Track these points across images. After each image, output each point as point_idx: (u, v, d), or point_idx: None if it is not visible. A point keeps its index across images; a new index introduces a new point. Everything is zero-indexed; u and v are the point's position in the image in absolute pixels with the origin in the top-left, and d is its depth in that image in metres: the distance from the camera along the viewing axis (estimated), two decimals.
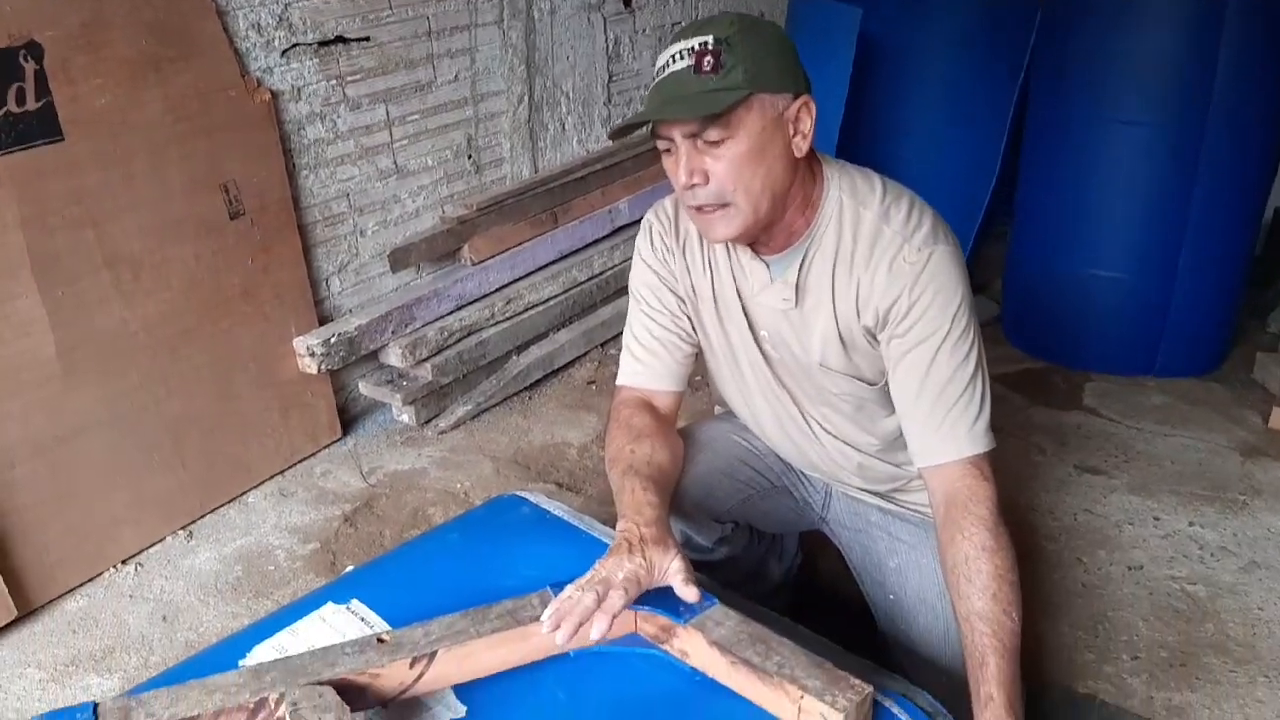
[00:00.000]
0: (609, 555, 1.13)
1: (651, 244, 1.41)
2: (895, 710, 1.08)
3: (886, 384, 1.32)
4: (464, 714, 1.10)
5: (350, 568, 1.94)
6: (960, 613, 1.16)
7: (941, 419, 1.23)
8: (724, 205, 1.21)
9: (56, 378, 1.89)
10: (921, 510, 1.49)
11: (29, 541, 1.89)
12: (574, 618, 1.07)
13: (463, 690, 1.12)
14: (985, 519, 1.19)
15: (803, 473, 1.56)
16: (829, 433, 1.43)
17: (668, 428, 1.41)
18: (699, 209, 1.22)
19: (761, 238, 1.28)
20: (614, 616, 1.09)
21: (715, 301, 1.38)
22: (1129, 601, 1.85)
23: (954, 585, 1.17)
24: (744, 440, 1.54)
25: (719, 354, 1.44)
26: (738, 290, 1.35)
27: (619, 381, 1.46)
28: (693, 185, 1.20)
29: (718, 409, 1.68)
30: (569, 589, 1.11)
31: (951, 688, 1.36)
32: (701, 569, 1.38)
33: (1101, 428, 2.47)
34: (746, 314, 1.36)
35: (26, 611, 1.89)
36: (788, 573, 1.75)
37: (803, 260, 1.28)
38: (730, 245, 1.33)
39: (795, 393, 1.41)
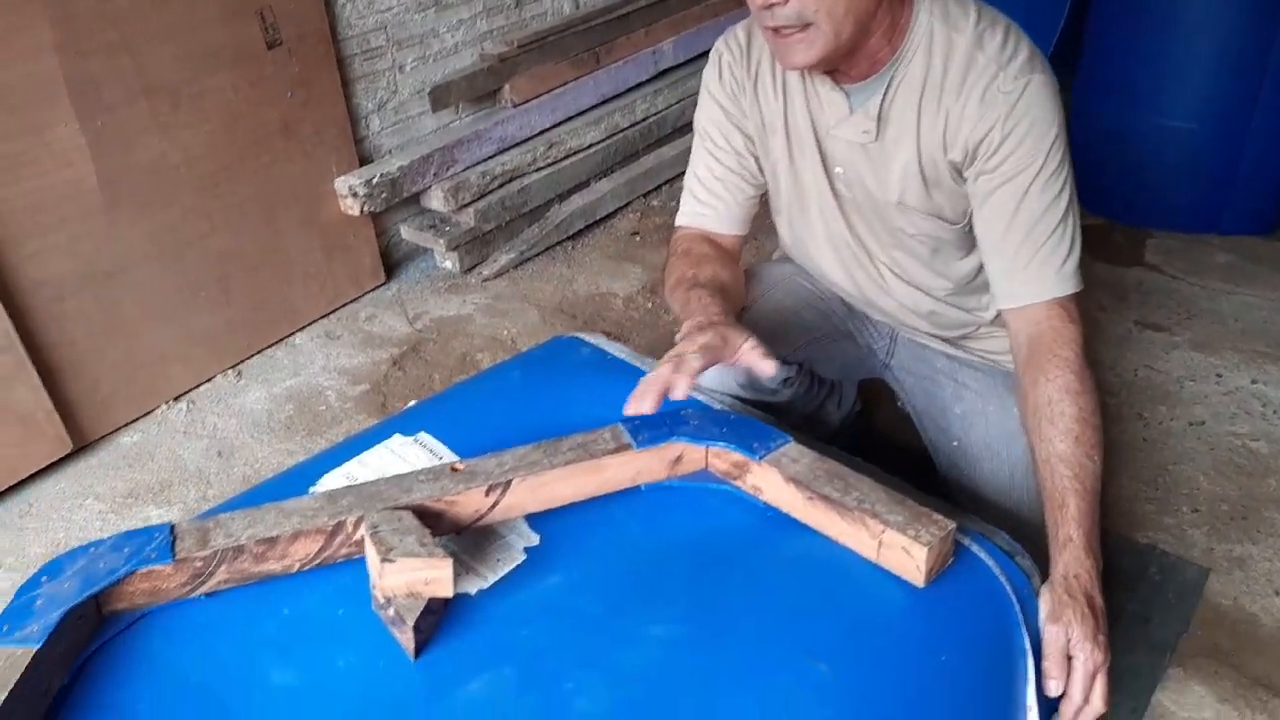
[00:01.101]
0: (680, 338, 1.11)
1: (720, 76, 1.33)
2: (974, 549, 1.06)
3: (968, 224, 1.26)
4: (537, 542, 1.09)
5: (413, 403, 1.94)
6: (1040, 455, 1.13)
7: (1029, 258, 1.18)
8: (805, 27, 1.13)
9: (100, 210, 1.86)
10: (990, 357, 1.45)
11: (81, 375, 1.89)
12: (654, 386, 1.06)
13: (535, 520, 1.12)
14: (1071, 361, 1.15)
15: (868, 318, 1.52)
16: (899, 278, 1.38)
17: (731, 258, 1.36)
18: (777, 31, 1.14)
19: (842, 65, 1.20)
20: (693, 378, 1.07)
21: (787, 137, 1.31)
22: (1189, 456, 1.83)
23: (1035, 428, 1.14)
24: (809, 283, 1.50)
25: (785, 195, 1.38)
26: (812, 124, 1.28)
27: (678, 222, 1.41)
28: (771, 4, 1.12)
29: (776, 255, 1.63)
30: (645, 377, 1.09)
31: (1016, 534, 1.36)
32: (763, 411, 1.37)
33: (1163, 285, 2.41)
34: (820, 149, 1.29)
35: (82, 445, 1.91)
36: (845, 419, 1.73)
37: (886, 90, 1.21)
38: (806, 74, 1.25)
39: (866, 236, 1.36)
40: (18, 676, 0.85)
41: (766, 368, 1.09)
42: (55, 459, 1.85)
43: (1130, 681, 1.33)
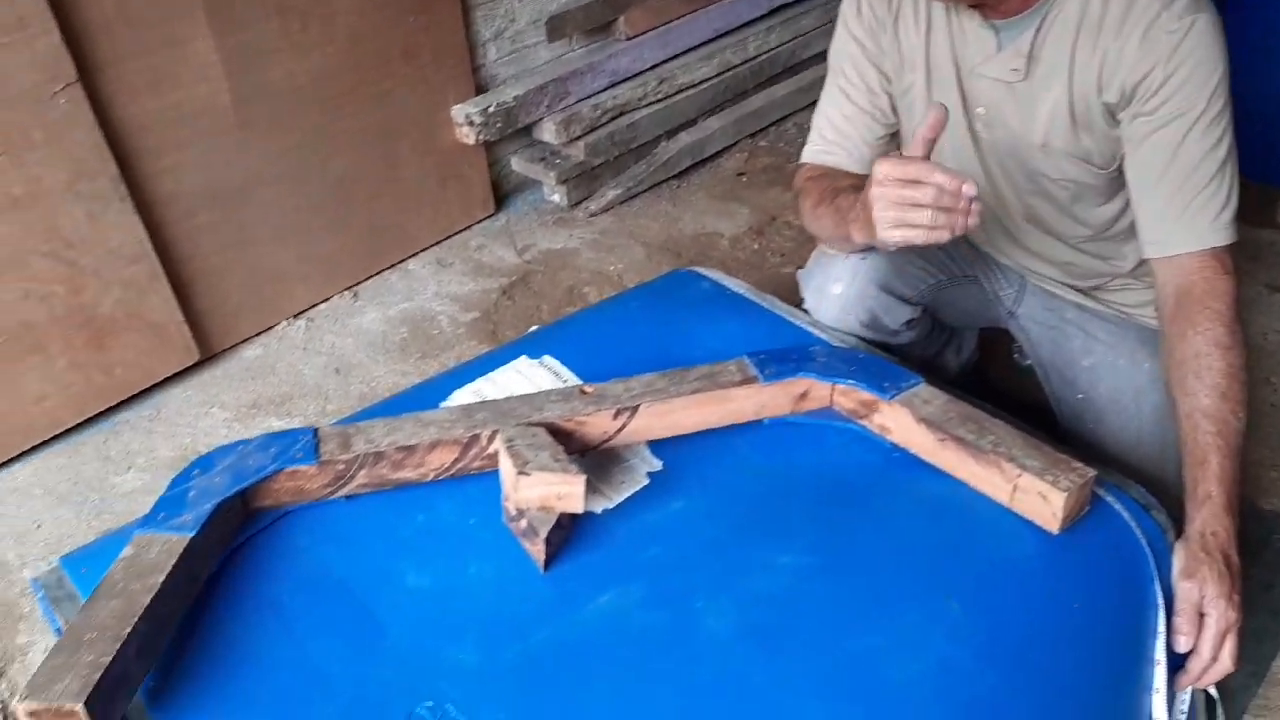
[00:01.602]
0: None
1: (859, 11, 1.30)
2: (1109, 499, 1.04)
3: (1116, 169, 1.22)
4: (660, 468, 1.11)
5: (535, 328, 1.97)
6: (1183, 410, 1.10)
7: (1184, 206, 1.14)
8: None
9: (232, 128, 1.91)
10: (1123, 310, 1.41)
11: (209, 289, 1.96)
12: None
13: (657, 447, 1.13)
14: (1223, 314, 1.11)
15: (996, 264, 1.48)
16: (1035, 225, 1.34)
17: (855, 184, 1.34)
18: None
19: (992, 0, 1.16)
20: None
21: (927, 74, 1.27)
22: None
23: (1179, 381, 1.11)
24: None
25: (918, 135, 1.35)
26: (955, 61, 1.24)
27: (804, 158, 1.38)
28: None
29: None
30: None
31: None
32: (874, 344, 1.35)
33: None
34: (961, 88, 1.25)
35: (208, 356, 1.98)
36: (963, 368, 1.70)
37: (1039, 26, 1.16)
38: (952, 9, 1.21)
39: (1002, 181, 1.32)
40: (174, 562, 0.90)
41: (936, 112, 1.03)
42: (183, 368, 1.93)
43: (1251, 646, 1.30)
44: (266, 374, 1.97)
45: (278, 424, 1.84)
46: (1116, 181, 1.24)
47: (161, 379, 1.91)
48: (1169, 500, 1.33)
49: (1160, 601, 0.99)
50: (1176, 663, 1.01)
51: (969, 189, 0.98)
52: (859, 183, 1.23)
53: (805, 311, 1.41)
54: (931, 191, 0.98)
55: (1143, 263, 1.34)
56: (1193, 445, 1.08)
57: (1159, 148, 1.14)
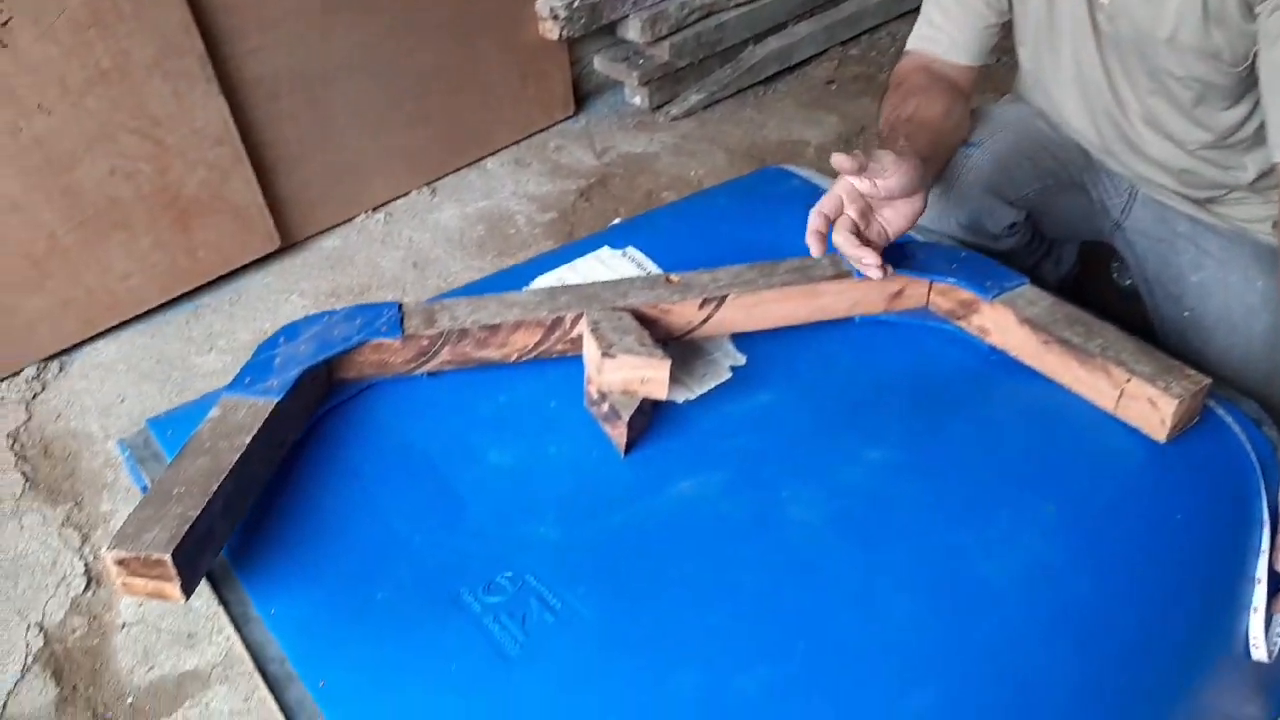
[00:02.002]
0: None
1: None
2: (1220, 412, 0.99)
3: (1247, 68, 1.13)
4: (743, 363, 1.08)
5: (618, 220, 1.94)
6: None
7: None
8: None
9: (318, 12, 1.88)
10: (1239, 224, 1.33)
11: (291, 176, 1.95)
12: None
13: (741, 342, 1.10)
14: None
15: (1106, 171, 1.40)
16: (1153, 128, 1.26)
17: (951, 91, 1.27)
18: None
19: None
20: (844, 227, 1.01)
21: None
22: None
23: None
24: (1045, 127, 1.39)
25: (1034, 25, 1.27)
26: None
27: (908, 45, 1.31)
28: None
29: (1008, 98, 1.52)
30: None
31: None
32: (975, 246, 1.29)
33: None
34: None
35: (288, 244, 1.99)
36: (1061, 282, 1.63)
37: None
38: None
39: (1121, 79, 1.24)
40: (259, 424, 0.90)
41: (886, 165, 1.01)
42: (264, 254, 1.94)
43: None
44: (345, 265, 1.98)
45: None
46: (1246, 82, 1.15)
47: (243, 264, 1.93)
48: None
49: (1266, 519, 0.95)
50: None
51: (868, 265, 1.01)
52: (919, 112, 1.18)
53: None
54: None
55: (1263, 175, 1.26)
56: None
57: None
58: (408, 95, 2.10)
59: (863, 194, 1.03)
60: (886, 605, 0.80)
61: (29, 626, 1.32)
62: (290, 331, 1.03)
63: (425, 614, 0.81)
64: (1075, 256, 1.65)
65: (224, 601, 0.85)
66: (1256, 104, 1.17)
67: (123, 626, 1.31)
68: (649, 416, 1.00)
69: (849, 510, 0.88)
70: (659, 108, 2.52)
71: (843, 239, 1.00)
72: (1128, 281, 1.70)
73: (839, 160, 0.99)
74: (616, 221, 1.84)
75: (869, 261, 1.00)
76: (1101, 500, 0.90)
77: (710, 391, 1.04)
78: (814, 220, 1.02)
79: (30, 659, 1.28)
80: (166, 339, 1.81)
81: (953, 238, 1.31)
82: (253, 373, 0.97)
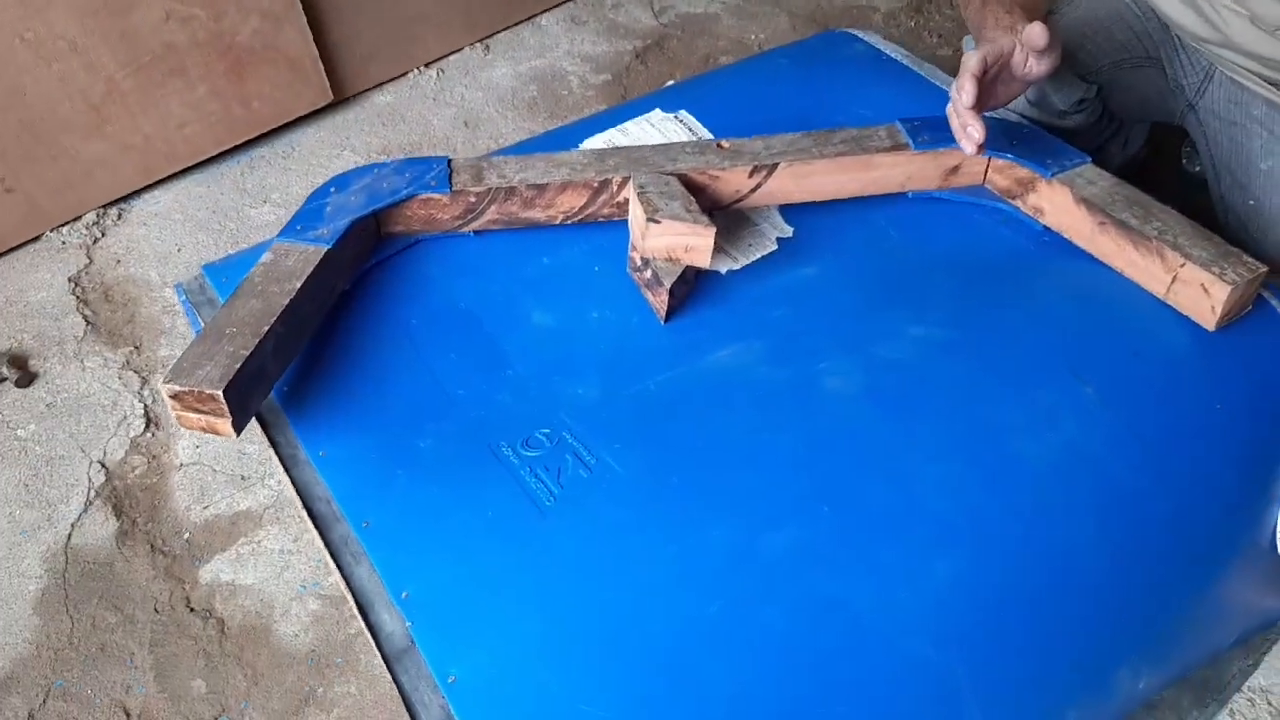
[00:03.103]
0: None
1: None
2: (1274, 303, 0.97)
3: None
4: (790, 235, 1.07)
5: (671, 82, 1.90)
6: None
7: None
8: None
9: None
10: None
11: (344, 27, 1.92)
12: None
13: (790, 214, 1.09)
14: None
15: (1185, 46, 1.33)
16: (1241, 5, 1.19)
17: None
18: None
19: None
20: (975, 82, 0.97)
21: None
22: None
23: None
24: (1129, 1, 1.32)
25: None
26: None
27: None
28: None
29: None
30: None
31: None
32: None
33: None
34: None
35: (341, 99, 1.98)
36: (1128, 163, 1.58)
37: None
38: None
39: None
40: (310, 270, 0.92)
41: (1033, 32, 0.96)
42: (317, 107, 1.93)
43: None
44: (397, 121, 1.96)
45: None
46: None
47: (296, 118, 1.92)
48: None
49: None
50: None
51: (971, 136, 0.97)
52: None
53: None
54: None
55: None
56: None
57: None
58: None
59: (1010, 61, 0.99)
60: (917, 474, 0.81)
61: (91, 464, 1.38)
62: (341, 182, 1.04)
63: (466, 464, 0.83)
64: (1144, 139, 1.59)
65: (274, 443, 0.89)
66: None
67: (180, 466, 1.37)
68: (691, 285, 1.00)
69: (886, 384, 0.88)
70: None
71: (964, 105, 0.97)
72: (1197, 168, 1.64)
73: (1036, 33, 0.96)
74: (669, 83, 1.80)
75: (977, 136, 0.97)
76: (1141, 385, 0.89)
77: (755, 262, 1.04)
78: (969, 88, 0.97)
79: (93, 494, 1.35)
80: (222, 189, 1.83)
81: (1017, 113, 1.27)
82: (304, 220, 0.99)
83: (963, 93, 0.96)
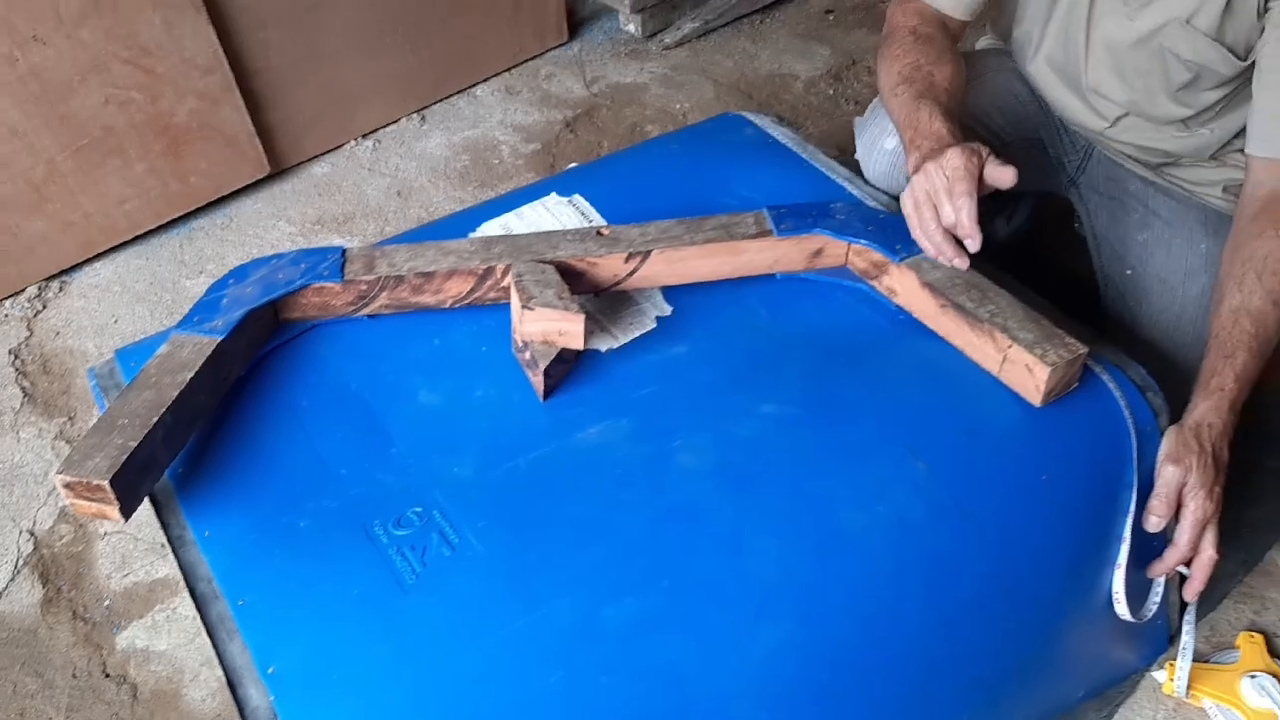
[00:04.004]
0: (936, 153, 1.08)
1: None
2: (1105, 378, 1.05)
3: (1252, 61, 1.16)
4: (669, 314, 1.14)
5: (573, 164, 1.99)
6: (1230, 304, 1.07)
7: None
8: None
9: None
10: (1188, 187, 1.35)
11: (280, 103, 2.01)
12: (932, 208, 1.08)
13: (670, 293, 1.16)
14: None
15: (1065, 128, 1.42)
16: (1124, 106, 1.27)
17: (956, 46, 1.27)
18: None
19: None
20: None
21: None
22: None
23: (1238, 276, 1.08)
24: (1013, 81, 1.40)
25: None
26: None
27: None
28: None
29: (983, 42, 1.52)
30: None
31: (1165, 374, 1.31)
32: None
33: None
34: None
35: (278, 170, 2.06)
36: (1014, 234, 1.67)
37: None
38: None
39: (1101, 51, 1.24)
40: (203, 361, 0.99)
41: (1005, 175, 1.06)
42: (254, 180, 2.01)
43: (1247, 535, 1.31)
44: (333, 192, 2.04)
45: (339, 241, 1.93)
46: (1245, 74, 1.18)
47: (234, 190, 2.00)
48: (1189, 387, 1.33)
49: (1135, 483, 1.01)
50: (1149, 550, 1.03)
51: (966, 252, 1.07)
52: (954, 79, 1.19)
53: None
54: (935, 225, 1.07)
55: (1222, 147, 1.28)
56: (1225, 338, 1.06)
57: None
58: (400, 20, 2.13)
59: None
60: (751, 546, 0.88)
61: (21, 533, 1.44)
62: (240, 273, 1.11)
63: (339, 542, 0.90)
64: (1030, 211, 1.68)
65: (164, 525, 0.95)
66: (1236, 87, 1.20)
67: (104, 535, 1.43)
68: (570, 364, 1.07)
69: (733, 460, 0.95)
70: (653, 35, 2.53)
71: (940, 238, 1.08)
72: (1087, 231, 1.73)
73: (1008, 178, 1.07)
74: (571, 166, 1.88)
75: (960, 261, 1.07)
76: (971, 459, 0.97)
77: (634, 340, 1.11)
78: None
79: (21, 562, 1.40)
80: (160, 261, 1.90)
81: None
82: (201, 311, 1.05)
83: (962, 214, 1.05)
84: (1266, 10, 1.10)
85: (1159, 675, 1.16)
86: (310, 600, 0.86)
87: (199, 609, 0.87)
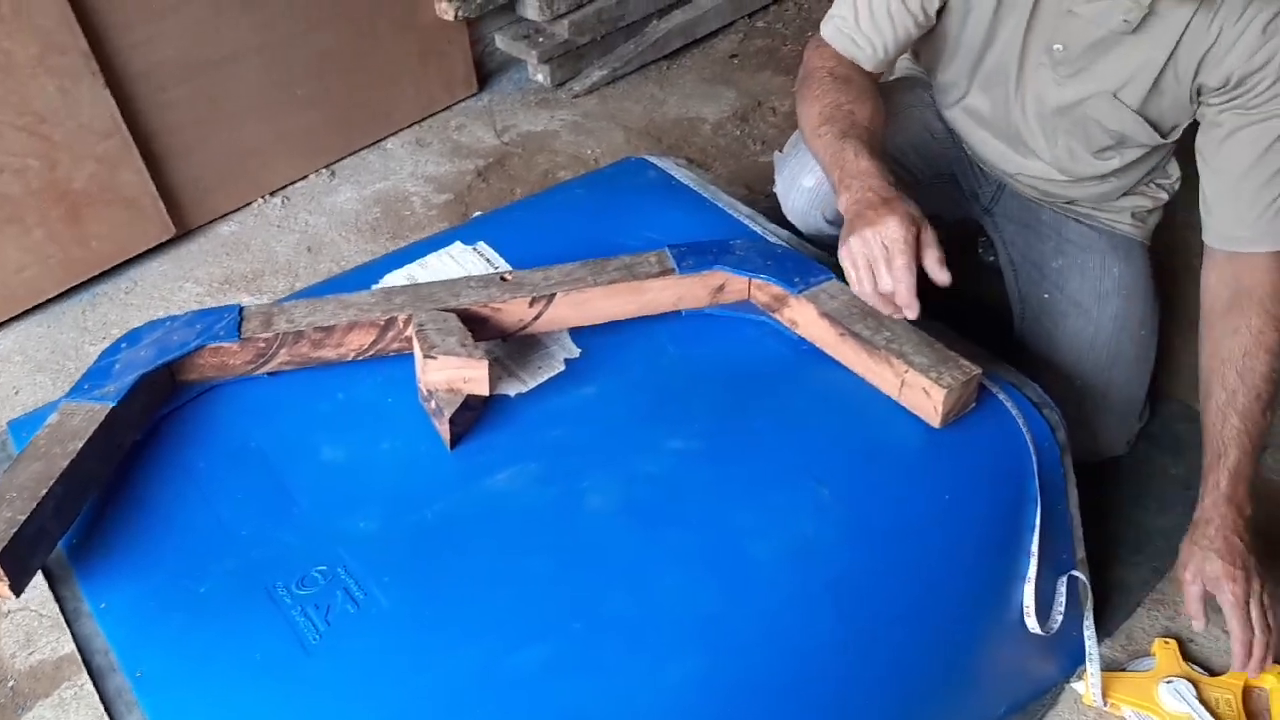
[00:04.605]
0: (871, 213, 1.04)
1: None
2: (1001, 398, 1.08)
3: (1176, 137, 1.22)
4: (578, 355, 1.15)
5: (477, 213, 1.99)
6: (1216, 402, 1.13)
7: (1267, 205, 1.12)
8: None
9: (203, 2, 1.90)
10: (1097, 217, 1.40)
11: (184, 164, 1.98)
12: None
13: (578, 335, 1.17)
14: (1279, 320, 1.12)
15: (979, 165, 1.46)
16: (1048, 162, 1.31)
17: (868, 82, 1.26)
18: None
19: None
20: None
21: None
22: None
23: (1220, 376, 1.13)
24: (928, 117, 1.43)
25: (960, 46, 1.28)
26: None
27: (824, 34, 1.28)
28: None
29: (901, 66, 1.55)
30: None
31: (1082, 392, 1.36)
32: (835, 243, 1.34)
33: None
34: (1039, 21, 1.18)
35: (184, 231, 2.02)
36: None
37: None
38: None
39: (1031, 112, 1.27)
40: (94, 429, 0.96)
41: (943, 278, 1.03)
42: (159, 242, 1.97)
43: (1159, 541, 1.35)
44: (241, 250, 2.01)
45: (248, 300, 1.90)
46: (1167, 146, 1.25)
47: (138, 253, 1.96)
48: (1107, 405, 1.37)
49: (1038, 496, 1.03)
50: (1052, 564, 1.06)
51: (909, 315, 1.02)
52: (874, 119, 1.17)
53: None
54: (872, 289, 1.02)
55: (1124, 195, 1.35)
56: (1216, 436, 1.13)
57: (1251, 143, 1.11)
58: (305, 77, 2.12)
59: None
60: (658, 583, 0.88)
61: None
62: (132, 337, 1.09)
63: (240, 606, 0.87)
64: (941, 237, 1.71)
65: (59, 598, 0.92)
66: (1149, 151, 1.26)
67: (7, 613, 1.37)
68: (478, 411, 1.07)
69: (640, 498, 0.96)
70: (562, 84, 2.56)
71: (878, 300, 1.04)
72: (991, 258, 1.78)
73: (944, 279, 1.04)
74: (476, 215, 1.89)
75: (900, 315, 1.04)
76: (874, 482, 0.98)
77: (543, 384, 1.11)
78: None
79: None
80: (63, 329, 1.85)
81: (819, 232, 1.37)
82: (92, 379, 1.03)
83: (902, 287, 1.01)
84: (1199, 99, 1.15)
85: (1078, 686, 1.18)
86: (210, 667, 0.83)
87: (95, 683, 0.84)
